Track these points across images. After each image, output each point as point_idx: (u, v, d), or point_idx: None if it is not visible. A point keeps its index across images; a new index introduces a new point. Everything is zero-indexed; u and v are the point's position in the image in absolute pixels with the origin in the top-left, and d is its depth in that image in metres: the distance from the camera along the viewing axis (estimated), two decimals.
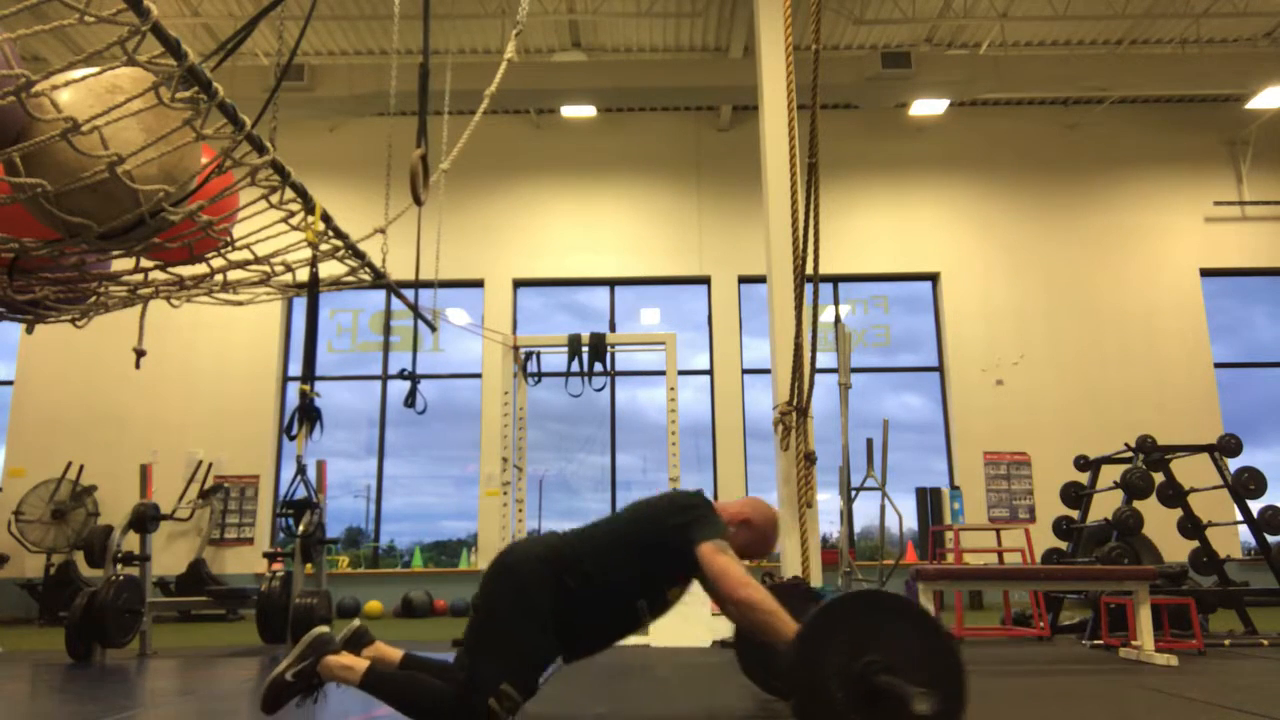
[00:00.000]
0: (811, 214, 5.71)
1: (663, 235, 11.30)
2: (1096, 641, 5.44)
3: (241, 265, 4.42)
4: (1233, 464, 6.58)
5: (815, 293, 5.93)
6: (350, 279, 5.10)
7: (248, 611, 8.75)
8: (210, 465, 10.19)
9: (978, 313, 11.01)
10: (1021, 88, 10.54)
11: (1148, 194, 11.40)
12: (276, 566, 6.13)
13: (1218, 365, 10.94)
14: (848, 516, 6.84)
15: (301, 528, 5.62)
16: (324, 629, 2.66)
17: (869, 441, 6.78)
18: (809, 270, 5.92)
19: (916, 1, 9.86)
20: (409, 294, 6.12)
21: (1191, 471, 6.74)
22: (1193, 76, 10.39)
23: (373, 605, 9.81)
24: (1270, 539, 6.27)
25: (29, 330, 4.98)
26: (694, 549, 2.46)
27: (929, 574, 4.65)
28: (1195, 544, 6.38)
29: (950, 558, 7.38)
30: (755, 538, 2.78)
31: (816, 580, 6.60)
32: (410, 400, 6.70)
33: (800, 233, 6.13)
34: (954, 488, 10.48)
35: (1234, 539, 9.96)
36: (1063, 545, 7.00)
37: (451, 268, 9.91)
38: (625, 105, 11.45)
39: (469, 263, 11.01)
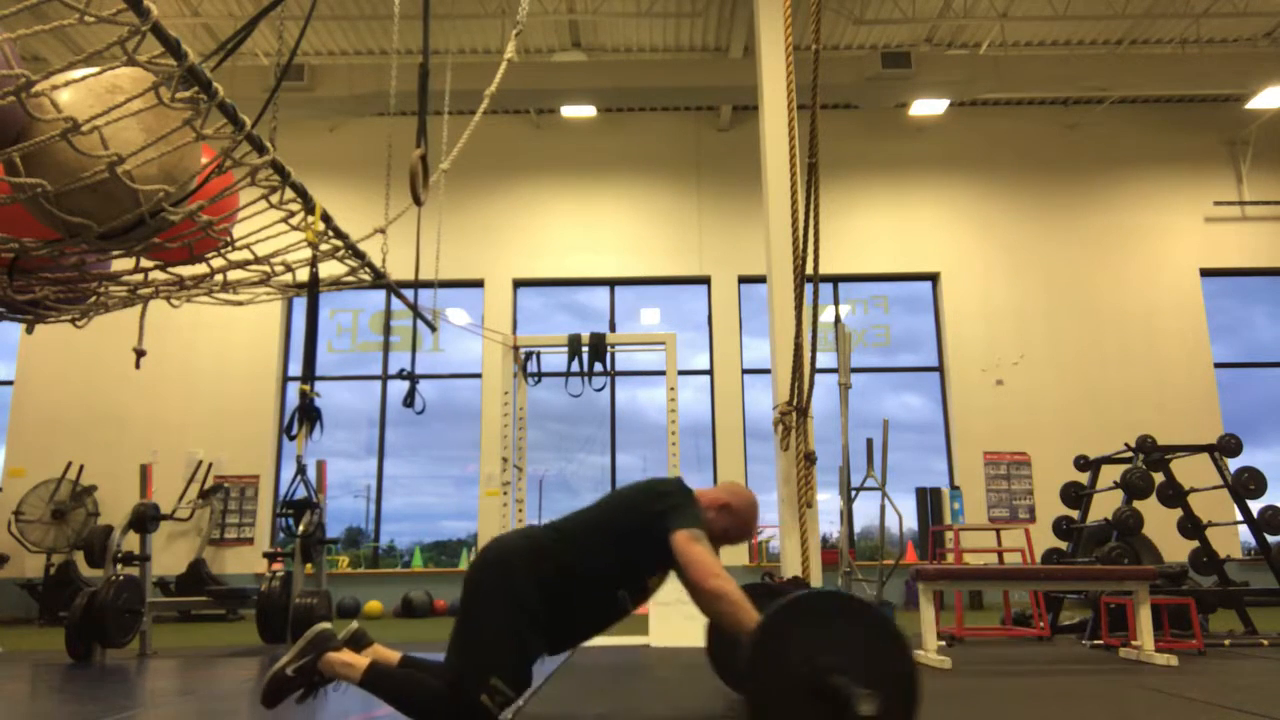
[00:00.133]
0: (811, 214, 5.71)
1: (663, 235, 11.30)
2: (1096, 641, 5.44)
3: (241, 265, 4.42)
4: (1233, 464, 6.58)
5: (815, 293, 5.93)
6: (350, 279, 5.10)
7: (248, 611, 8.76)
8: (210, 465, 10.19)
9: (978, 313, 11.01)
10: (1021, 88, 10.54)
11: (1148, 194, 11.40)
12: (276, 566, 6.13)
13: (1218, 365, 10.94)
14: (848, 516, 6.84)
15: (301, 528, 5.62)
16: (326, 625, 2.66)
17: (869, 441, 6.78)
18: (809, 270, 5.92)
19: (916, 1, 9.86)
20: (409, 294, 6.12)
21: (1191, 471, 6.74)
22: (1193, 76, 10.39)
23: (373, 605, 9.81)
24: (1270, 539, 6.26)
25: (29, 330, 4.98)
26: (668, 537, 2.46)
27: (929, 574, 4.65)
28: (1195, 544, 6.38)
29: (950, 558, 7.38)
30: (735, 522, 2.79)
31: (816, 580, 6.60)
32: (409, 400, 6.70)
33: (800, 233, 6.13)
34: (954, 488, 10.48)
35: (1234, 539, 9.96)
36: (1063, 545, 7.00)
37: (451, 268, 9.92)
38: (625, 105, 11.45)
39: (469, 263, 11.01)
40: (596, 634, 2.68)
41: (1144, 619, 4.58)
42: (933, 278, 11.31)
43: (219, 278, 4.53)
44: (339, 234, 4.46)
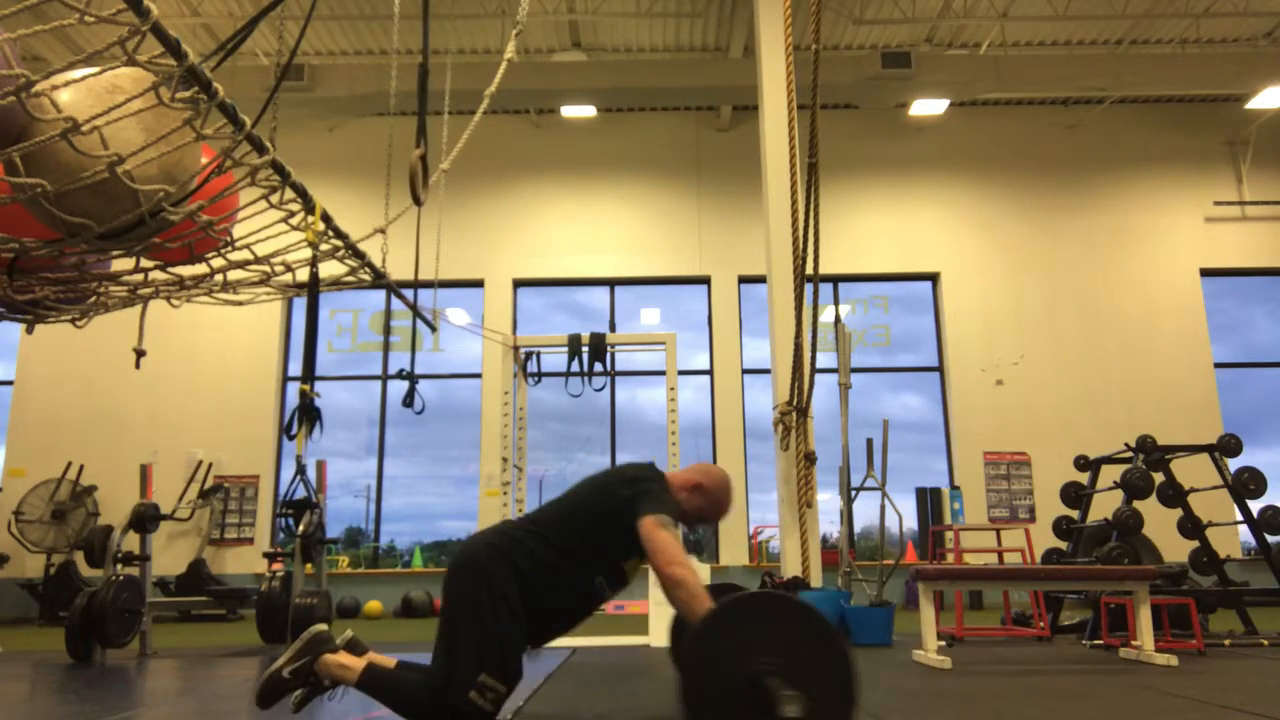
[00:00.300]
0: (811, 214, 5.72)
1: (663, 235, 11.30)
2: (1096, 641, 5.44)
3: (241, 265, 4.42)
4: (1233, 464, 6.58)
5: (815, 293, 5.94)
6: (350, 279, 5.11)
7: (248, 611, 8.76)
8: (210, 465, 10.19)
9: (977, 313, 11.01)
10: (1022, 88, 10.54)
11: (1148, 194, 11.40)
12: (276, 566, 6.12)
13: (1218, 365, 10.94)
14: (848, 516, 6.83)
15: (301, 528, 5.62)
16: (322, 626, 2.66)
17: (869, 441, 6.78)
18: (809, 270, 5.93)
19: (916, 1, 9.86)
20: (409, 294, 6.12)
21: (1191, 471, 6.74)
22: (1193, 76, 10.39)
23: (373, 605, 9.81)
24: (1270, 539, 6.26)
25: (29, 330, 4.98)
26: (636, 522, 2.46)
27: (929, 574, 4.65)
28: (1195, 544, 6.38)
29: (950, 558, 7.38)
30: (708, 503, 2.80)
31: (816, 580, 6.61)
32: (409, 400, 6.70)
33: (800, 233, 6.14)
34: (954, 488, 10.49)
35: (1234, 539, 9.96)
36: (1063, 545, 7.00)
37: (451, 268, 9.92)
38: (625, 105, 11.45)
39: (469, 263, 11.01)
40: (578, 622, 2.68)
41: (1144, 619, 4.58)
42: (932, 278, 11.31)
43: (219, 278, 4.53)
44: (339, 234, 4.47)
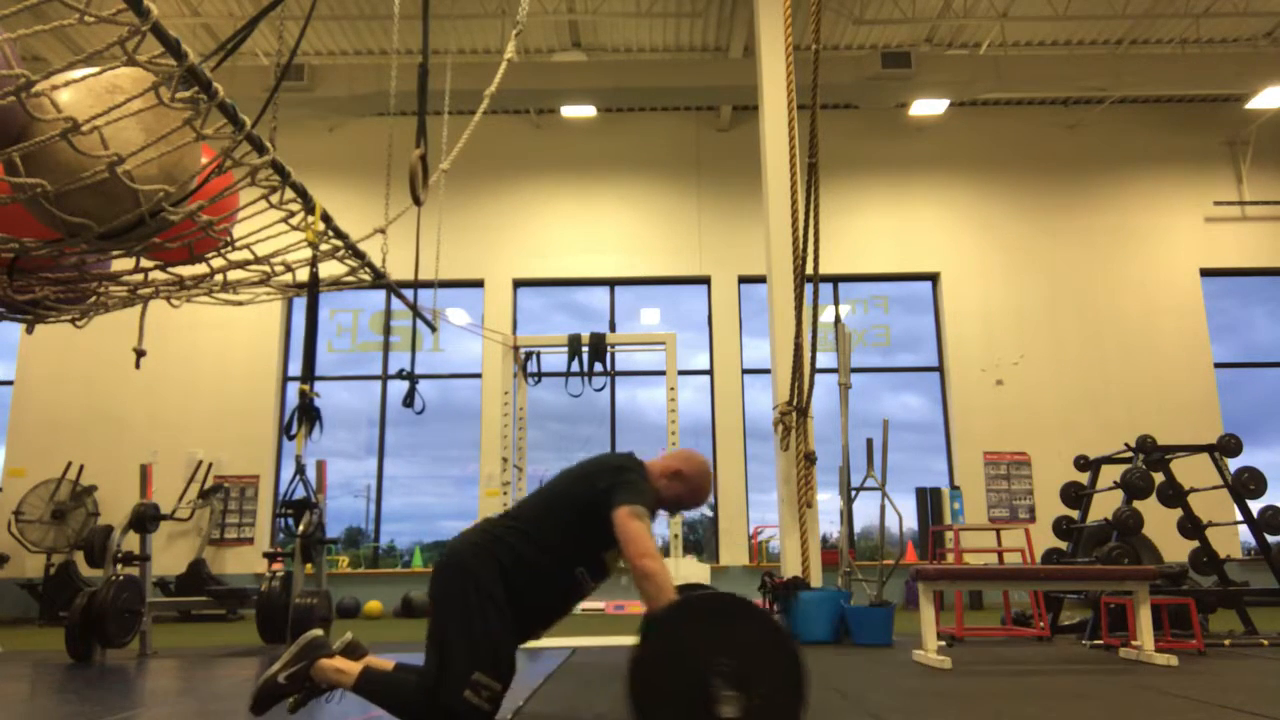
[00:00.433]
0: (811, 214, 5.72)
1: (663, 235, 11.30)
2: (1096, 641, 5.44)
3: (241, 265, 4.42)
4: (1233, 464, 6.58)
5: (815, 293, 5.94)
6: (350, 279, 5.11)
7: (248, 611, 8.75)
8: (210, 465, 10.19)
9: (977, 313, 11.01)
10: (1022, 88, 10.54)
11: (1148, 194, 11.40)
12: (276, 566, 6.12)
13: (1218, 365, 10.94)
14: (848, 516, 6.83)
15: (301, 528, 5.62)
16: (318, 632, 2.66)
17: (869, 441, 6.78)
18: (809, 270, 5.93)
19: (916, 1, 9.86)
20: (409, 294, 6.12)
21: (1191, 471, 6.74)
22: (1193, 76, 10.39)
23: (373, 605, 9.82)
24: (1270, 539, 6.26)
25: (29, 330, 4.98)
26: (611, 512, 2.47)
27: (929, 574, 4.65)
28: (1195, 544, 6.38)
29: (950, 558, 7.38)
30: (687, 489, 2.81)
31: (816, 580, 6.60)
32: (409, 400, 6.71)
33: (800, 233, 6.14)
34: (954, 488, 10.49)
35: (1234, 539, 9.96)
36: (1063, 545, 7.00)
37: (451, 268, 9.92)
38: (625, 105, 11.45)
39: (469, 263, 11.01)
40: (562, 614, 2.69)
41: (1144, 619, 4.58)
42: (932, 278, 11.31)
43: (219, 278, 4.53)
44: (339, 234, 4.47)
